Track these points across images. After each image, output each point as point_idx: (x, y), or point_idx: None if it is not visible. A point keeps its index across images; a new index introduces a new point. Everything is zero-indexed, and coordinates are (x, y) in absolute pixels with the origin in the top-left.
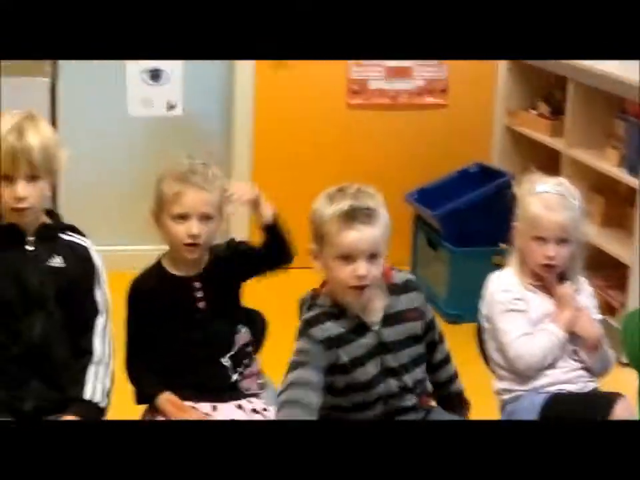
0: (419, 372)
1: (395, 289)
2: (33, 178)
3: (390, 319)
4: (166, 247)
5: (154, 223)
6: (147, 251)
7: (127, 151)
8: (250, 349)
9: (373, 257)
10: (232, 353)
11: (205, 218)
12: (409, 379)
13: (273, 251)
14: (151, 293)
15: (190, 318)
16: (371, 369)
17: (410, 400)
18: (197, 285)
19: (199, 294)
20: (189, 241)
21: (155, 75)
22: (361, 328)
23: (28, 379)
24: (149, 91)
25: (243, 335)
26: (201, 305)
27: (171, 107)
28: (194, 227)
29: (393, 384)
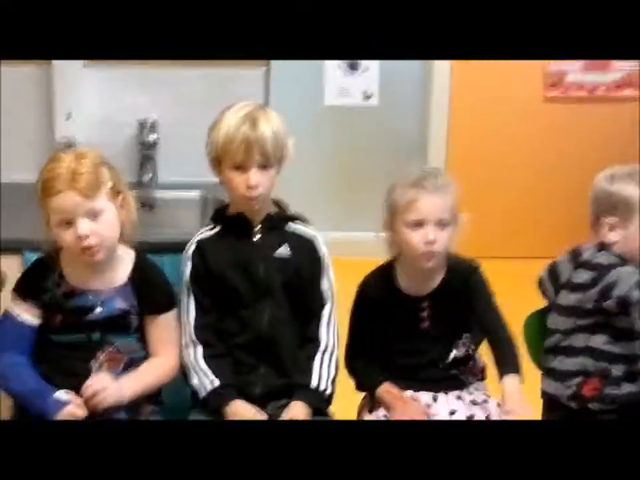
0: None
1: None
2: (264, 167)
3: None
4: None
5: (387, 233)
6: (367, 238)
7: (321, 139)
8: (472, 349)
9: None
10: (448, 361)
11: (441, 224)
12: None
13: None
14: (376, 302)
15: (412, 333)
16: None
17: None
18: (425, 304)
19: (425, 314)
20: (427, 249)
21: (353, 65)
22: None
23: (257, 366)
24: (346, 81)
25: (464, 341)
26: (425, 324)
27: (367, 96)
28: (430, 232)
29: None
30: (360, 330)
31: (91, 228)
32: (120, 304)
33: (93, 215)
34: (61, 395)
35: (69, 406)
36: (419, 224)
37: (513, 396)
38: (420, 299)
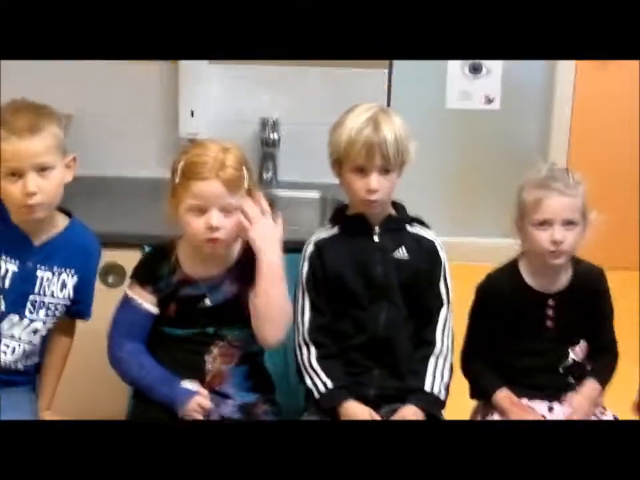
0: None
1: None
2: (385, 171)
3: None
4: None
5: (517, 232)
6: (485, 243)
7: (441, 142)
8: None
9: None
10: (567, 364)
11: (568, 224)
12: None
13: None
14: (502, 297)
15: (534, 331)
16: None
17: None
18: (551, 303)
19: (550, 312)
20: (553, 248)
21: (476, 69)
22: None
23: (371, 367)
24: (468, 84)
25: (580, 347)
26: (549, 323)
27: (489, 100)
28: (557, 232)
29: None
30: (480, 329)
31: (223, 221)
32: (229, 288)
33: (228, 210)
34: (189, 384)
35: (197, 396)
36: (546, 223)
37: (583, 400)
38: (546, 296)
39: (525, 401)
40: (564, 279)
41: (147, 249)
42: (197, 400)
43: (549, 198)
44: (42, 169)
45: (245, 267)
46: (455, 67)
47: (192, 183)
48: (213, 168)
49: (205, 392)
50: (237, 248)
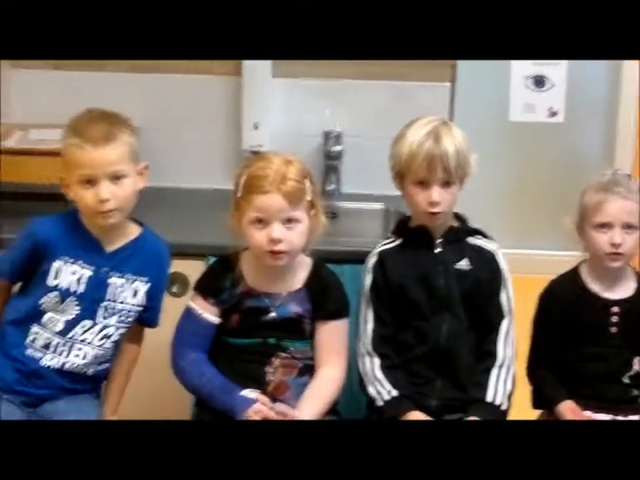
0: None
1: None
2: (446, 183)
3: None
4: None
5: (577, 234)
6: (548, 256)
7: (503, 155)
8: None
9: None
10: (631, 373)
11: (628, 227)
12: None
13: None
14: (564, 303)
15: (597, 336)
16: None
17: None
18: (615, 309)
19: (615, 319)
20: (612, 250)
21: (539, 81)
22: None
23: (433, 378)
24: (532, 97)
25: None
26: (613, 330)
27: (553, 113)
28: (617, 236)
29: None
30: (544, 336)
31: (285, 234)
32: (294, 308)
33: (289, 222)
34: (248, 392)
35: (257, 404)
36: (605, 226)
37: None
38: (610, 302)
39: (588, 413)
40: (629, 287)
41: (210, 260)
42: (255, 408)
43: (610, 201)
44: (115, 177)
45: (314, 288)
46: (519, 80)
47: (254, 196)
48: (274, 181)
49: (265, 399)
50: (304, 269)
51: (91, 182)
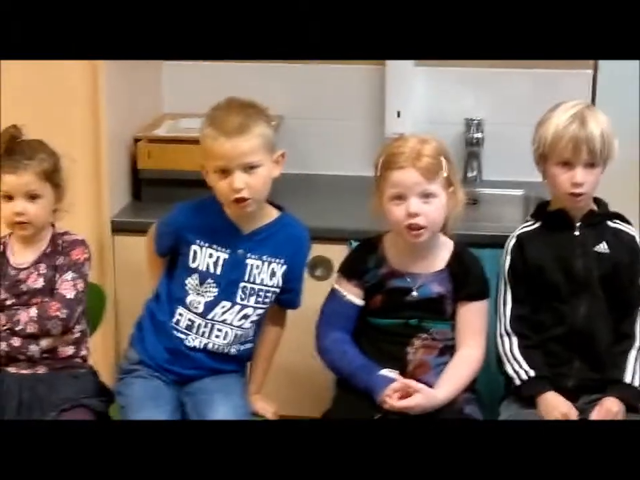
0: None
1: None
2: (591, 165)
3: None
4: None
5: None
6: None
7: None
8: None
9: None
10: None
11: None
12: None
13: None
14: None
15: None
16: None
17: None
18: None
19: None
20: None
21: None
22: None
23: (571, 359)
24: None
25: None
26: None
27: None
28: None
29: None
30: None
31: (422, 208)
32: (436, 288)
33: (426, 197)
34: (387, 372)
35: (395, 383)
36: None
37: None
38: None
39: None
40: None
41: (353, 244)
42: (393, 387)
43: None
44: (249, 167)
45: (456, 269)
46: None
47: (390, 172)
48: (409, 157)
49: (403, 379)
50: (446, 250)
51: (225, 172)
